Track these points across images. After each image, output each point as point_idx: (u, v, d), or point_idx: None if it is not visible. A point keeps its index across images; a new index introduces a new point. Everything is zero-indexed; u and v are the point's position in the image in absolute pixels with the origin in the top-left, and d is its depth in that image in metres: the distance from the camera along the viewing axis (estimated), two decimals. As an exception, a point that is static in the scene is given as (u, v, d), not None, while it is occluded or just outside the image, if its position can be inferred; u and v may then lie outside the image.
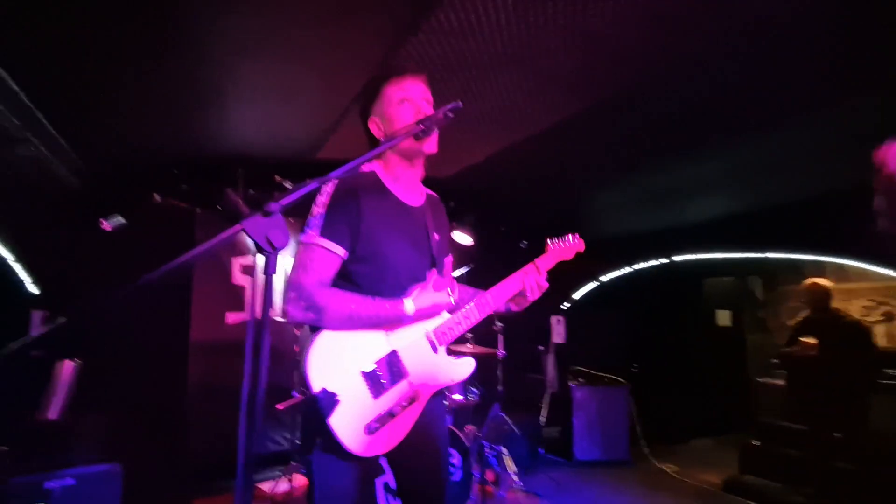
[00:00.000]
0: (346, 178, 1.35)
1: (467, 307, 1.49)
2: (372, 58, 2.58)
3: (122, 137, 3.38)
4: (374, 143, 1.43)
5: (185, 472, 3.72)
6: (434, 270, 1.47)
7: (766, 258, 4.69)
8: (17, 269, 3.44)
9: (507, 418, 3.74)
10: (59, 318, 3.51)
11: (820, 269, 4.91)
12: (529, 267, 1.58)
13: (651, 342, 5.81)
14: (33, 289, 3.53)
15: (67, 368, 3.24)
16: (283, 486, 3.12)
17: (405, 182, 1.46)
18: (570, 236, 1.79)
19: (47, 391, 3.18)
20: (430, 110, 1.39)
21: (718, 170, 3.68)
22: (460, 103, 1.22)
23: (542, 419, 4.65)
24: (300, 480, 3.16)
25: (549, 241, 1.75)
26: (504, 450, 3.46)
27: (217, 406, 3.86)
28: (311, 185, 1.06)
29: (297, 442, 3.21)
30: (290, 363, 3.24)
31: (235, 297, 4.07)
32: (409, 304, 1.33)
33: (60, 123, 2.92)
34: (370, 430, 1.27)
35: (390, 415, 1.31)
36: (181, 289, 3.97)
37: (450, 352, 1.50)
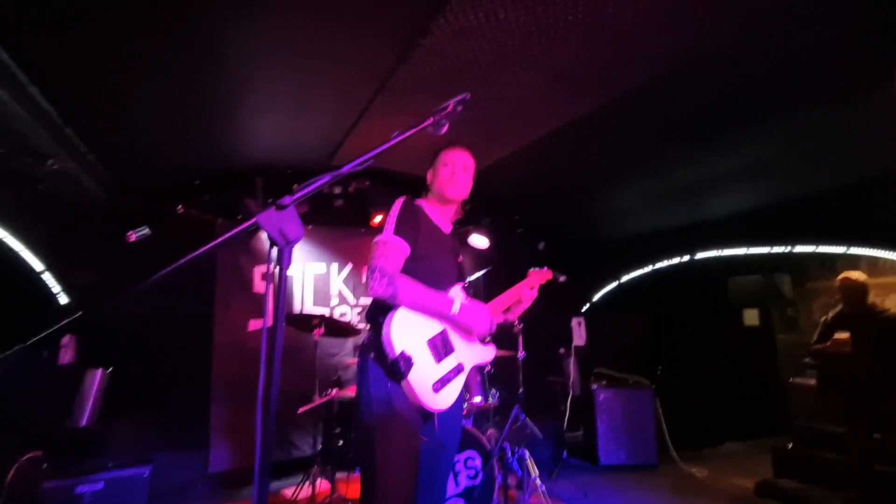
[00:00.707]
0: (409, 201, 1.82)
1: (491, 305, 1.91)
2: (383, 65, 2.61)
3: (146, 151, 3.49)
4: (426, 187, 1.95)
5: (210, 476, 3.78)
6: (463, 285, 1.87)
7: (794, 253, 4.52)
8: (49, 279, 3.55)
9: (528, 421, 3.69)
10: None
11: (852, 262, 4.72)
12: (526, 280, 2.05)
13: (675, 343, 5.67)
14: (63, 298, 3.64)
15: (97, 376, 3.33)
16: (305, 492, 3.12)
17: (440, 216, 1.93)
18: (542, 270, 2.16)
19: (78, 399, 3.28)
20: (463, 175, 1.86)
21: (741, 162, 3.59)
22: (468, 95, 1.22)
23: (565, 423, 4.57)
24: (323, 486, 3.16)
25: (531, 270, 2.15)
26: (526, 453, 3.40)
27: (241, 412, 3.92)
28: (323, 179, 1.07)
29: (319, 447, 3.21)
30: (310, 369, 3.26)
31: (257, 305, 4.13)
32: (457, 303, 1.72)
33: (89, 139, 3.03)
34: (436, 388, 1.62)
35: (447, 379, 1.66)
36: (204, 298, 4.05)
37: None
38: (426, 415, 1.65)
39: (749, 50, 2.39)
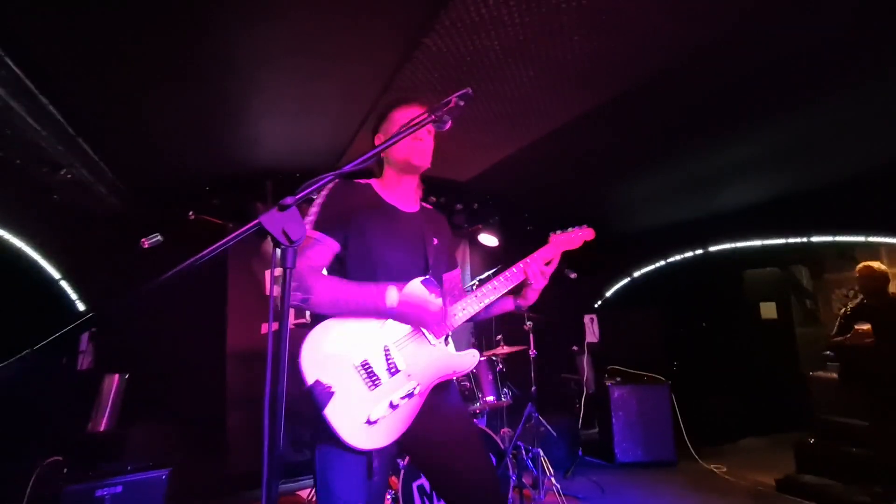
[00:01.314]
0: (341, 184, 1.51)
1: (465, 299, 1.56)
2: (387, 65, 2.61)
3: (157, 158, 3.54)
4: (378, 159, 1.61)
5: (225, 479, 3.81)
6: (430, 275, 1.49)
7: (811, 243, 4.42)
8: (66, 287, 3.62)
9: (542, 419, 3.66)
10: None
11: (871, 251, 4.61)
12: (530, 257, 1.66)
13: (690, 338, 5.59)
14: (81, 306, 3.71)
15: (114, 382, 3.39)
16: (320, 491, 3.14)
17: (399, 193, 1.58)
18: (576, 228, 1.83)
19: (96, 404, 3.33)
20: (428, 137, 1.53)
21: (754, 152, 3.52)
22: (470, 90, 1.21)
23: (580, 420, 4.53)
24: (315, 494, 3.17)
25: (551, 234, 1.80)
26: (541, 452, 3.37)
27: (257, 414, 3.95)
28: (326, 178, 1.07)
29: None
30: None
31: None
32: (392, 293, 1.37)
33: (100, 148, 3.08)
34: (368, 422, 1.30)
35: (390, 406, 1.33)
36: (217, 303, 4.09)
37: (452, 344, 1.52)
38: (363, 453, 1.31)
39: (761, 36, 2.33)
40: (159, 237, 3.75)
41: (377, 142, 1.59)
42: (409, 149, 1.50)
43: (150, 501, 2.86)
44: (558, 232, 1.80)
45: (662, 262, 5.58)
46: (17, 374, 3.18)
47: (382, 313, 1.38)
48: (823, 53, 2.45)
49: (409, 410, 1.38)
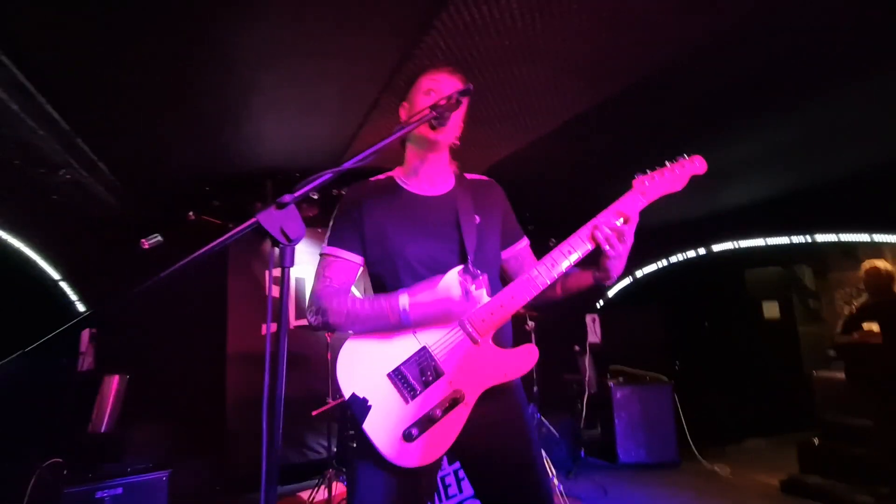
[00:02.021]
0: (354, 189, 1.39)
1: (514, 283, 1.28)
2: (387, 63, 2.59)
3: (156, 158, 3.52)
4: (400, 140, 1.39)
5: (227, 480, 3.80)
6: (470, 262, 1.29)
7: (814, 242, 4.39)
8: (66, 288, 3.60)
9: (544, 420, 3.64)
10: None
11: (876, 250, 4.58)
12: (601, 214, 1.31)
13: (693, 338, 5.57)
14: (81, 307, 3.70)
15: (115, 383, 3.37)
16: (321, 494, 3.12)
17: (424, 174, 1.39)
18: (678, 159, 1.40)
19: (96, 405, 3.32)
20: (446, 101, 1.26)
21: (756, 150, 3.50)
22: (472, 86, 1.19)
23: (582, 421, 4.51)
24: (339, 489, 3.15)
25: (637, 175, 1.38)
26: (543, 453, 3.35)
27: (257, 415, 3.92)
28: (325, 176, 1.05)
29: (334, 449, 3.21)
30: (324, 371, 3.26)
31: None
32: (402, 300, 1.21)
33: (98, 148, 3.06)
34: (408, 436, 1.18)
35: (430, 420, 1.19)
36: (217, 304, 4.08)
37: (503, 341, 1.30)
38: (406, 471, 1.19)
39: (762, 35, 2.31)
40: (159, 238, 3.74)
41: (401, 110, 1.41)
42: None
43: (152, 503, 2.85)
44: (648, 172, 1.38)
45: (665, 262, 5.55)
46: (18, 375, 3.17)
47: (404, 325, 1.23)
48: (824, 51, 2.43)
49: (454, 422, 1.21)
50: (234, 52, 2.40)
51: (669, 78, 2.70)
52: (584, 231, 1.29)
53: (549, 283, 1.28)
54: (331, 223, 1.36)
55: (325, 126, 3.39)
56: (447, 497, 2.54)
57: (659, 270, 5.63)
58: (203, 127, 3.19)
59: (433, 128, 1.30)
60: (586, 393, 4.60)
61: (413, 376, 1.23)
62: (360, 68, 2.64)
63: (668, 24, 2.27)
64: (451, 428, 1.21)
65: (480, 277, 1.28)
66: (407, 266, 1.29)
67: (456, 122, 1.35)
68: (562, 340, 4.80)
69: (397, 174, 1.43)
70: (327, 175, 1.05)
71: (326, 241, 1.35)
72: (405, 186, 1.39)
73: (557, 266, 1.28)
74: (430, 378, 1.23)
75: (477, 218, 1.35)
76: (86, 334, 3.72)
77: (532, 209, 5.20)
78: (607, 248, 1.25)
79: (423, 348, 1.24)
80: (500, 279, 1.42)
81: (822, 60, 2.52)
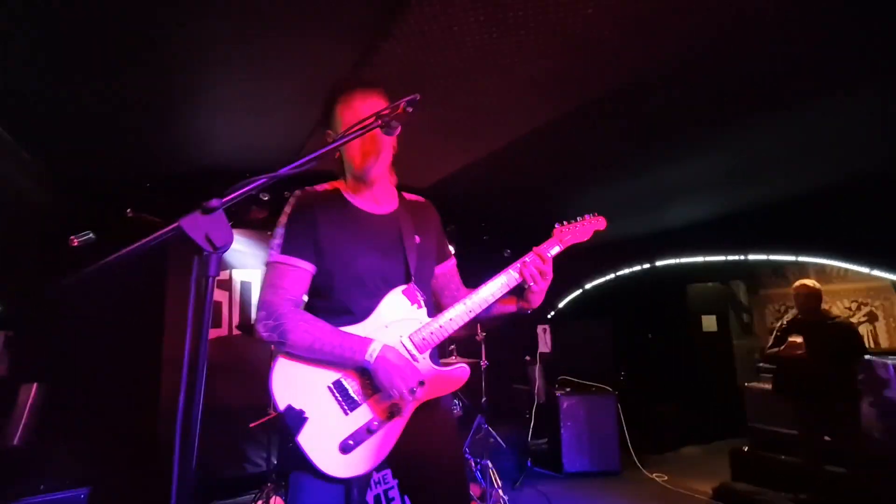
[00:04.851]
0: (304, 196, 1.37)
1: (453, 308, 1.38)
2: (343, 65, 2.55)
3: (91, 150, 3.30)
4: (339, 159, 1.44)
5: (156, 496, 3.55)
6: (413, 282, 1.37)
7: (748, 260, 4.69)
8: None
9: (491, 430, 3.65)
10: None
11: (802, 270, 4.94)
12: (528, 255, 1.47)
13: (637, 349, 5.78)
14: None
15: (31, 392, 3.10)
16: (259, 508, 2.98)
17: (368, 194, 1.42)
18: (586, 216, 1.65)
19: (10, 416, 3.03)
20: (379, 134, 1.31)
21: (699, 172, 3.70)
22: (418, 96, 1.17)
23: (530, 431, 4.56)
24: (277, 503, 3.02)
25: (556, 225, 1.60)
26: (489, 463, 3.36)
27: (192, 427, 3.72)
28: (259, 181, 1.00)
29: (274, 462, 3.08)
30: (266, 380, 3.13)
31: (213, 315, 3.94)
32: (375, 348, 1.24)
33: (27, 139, 2.83)
34: (345, 448, 1.20)
35: (368, 431, 1.23)
36: (153, 309, 3.84)
37: (437, 360, 1.39)
38: (340, 481, 1.22)
39: (705, 65, 2.44)
40: (91, 235, 3.48)
41: (328, 139, 1.39)
42: (355, 151, 1.34)
43: (68, 524, 2.63)
44: (564, 223, 1.60)
45: (613, 275, 5.75)
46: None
47: (358, 366, 1.25)
48: (758, 85, 2.60)
49: (390, 433, 1.25)
50: (183, 46, 2.29)
51: (618, 101, 2.81)
52: (514, 266, 1.46)
53: (484, 307, 1.41)
54: (280, 230, 1.32)
55: (278, 127, 3.29)
56: None
57: (607, 283, 5.82)
58: (144, 119, 3.02)
59: (386, 132, 1.23)
60: (535, 402, 4.67)
61: (353, 389, 1.26)
62: (314, 70, 2.58)
63: (618, 50, 2.36)
64: (387, 439, 1.25)
65: (421, 297, 1.38)
66: (357, 279, 1.32)
67: (389, 150, 1.38)
68: (512, 350, 4.85)
69: (342, 187, 1.43)
70: (262, 180, 1.00)
71: (278, 248, 1.30)
72: (352, 201, 1.41)
73: (487, 300, 1.42)
74: (369, 391, 1.26)
75: (417, 238, 1.42)
76: (1, 336, 3.41)
77: (487, 220, 5.26)
78: (531, 283, 1.44)
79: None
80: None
81: (756, 94, 2.69)
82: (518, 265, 1.45)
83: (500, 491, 3.28)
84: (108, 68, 2.40)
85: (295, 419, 1.19)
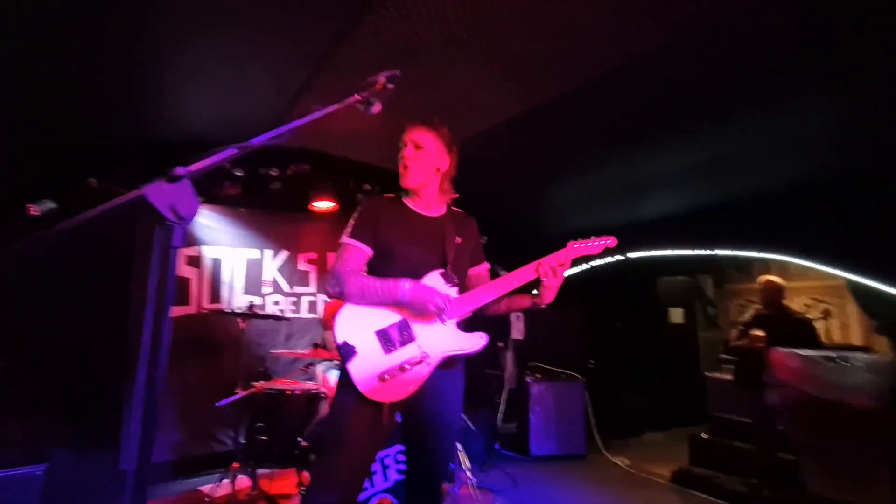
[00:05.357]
0: (373, 198, 1.88)
1: (474, 292, 1.75)
2: (322, 42, 2.48)
3: (54, 117, 3.14)
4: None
5: (120, 474, 3.48)
6: (448, 268, 1.73)
7: (715, 256, 4.84)
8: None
9: (462, 414, 3.69)
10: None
11: (765, 267, 5.12)
12: (543, 258, 1.77)
13: (607, 339, 5.91)
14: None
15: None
16: (224, 488, 2.96)
17: (421, 201, 1.80)
18: (600, 238, 1.92)
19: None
20: (410, 153, 1.73)
21: (671, 167, 3.77)
22: (399, 71, 1.15)
23: (500, 415, 4.64)
24: (243, 483, 3.00)
25: (570, 242, 1.87)
26: (458, 446, 3.40)
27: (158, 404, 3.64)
28: (228, 152, 0.97)
29: (241, 441, 3.05)
30: (234, 358, 3.08)
31: (180, 290, 3.84)
32: (406, 284, 1.62)
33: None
34: (381, 378, 1.58)
35: (400, 369, 1.60)
36: (118, 282, 3.71)
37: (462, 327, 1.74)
38: (375, 404, 1.59)
39: (684, 59, 2.48)
40: (51, 204, 3.33)
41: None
42: (400, 167, 1.74)
43: (24, 501, 2.55)
44: (580, 240, 1.91)
45: (587, 266, 5.84)
46: None
47: (399, 302, 1.62)
48: (727, 86, 2.66)
49: (417, 375, 1.62)
50: (156, 12, 2.18)
51: (594, 95, 2.83)
52: (531, 265, 1.76)
53: (502, 293, 1.75)
54: (352, 221, 1.73)
55: (253, 100, 3.20)
56: (371, 485, 2.60)
57: (581, 273, 5.91)
58: (113, 88, 2.89)
59: (364, 108, 1.30)
60: (506, 388, 4.74)
61: (394, 336, 1.64)
62: (293, 44, 2.51)
63: (594, 42, 2.37)
64: (413, 379, 1.62)
65: (454, 279, 1.74)
66: (404, 262, 1.69)
67: (419, 167, 1.73)
68: (487, 336, 4.90)
69: (405, 197, 1.81)
70: (231, 151, 0.97)
71: (349, 234, 1.71)
72: (408, 204, 1.80)
73: (510, 283, 1.75)
74: (406, 340, 1.64)
75: (458, 239, 1.78)
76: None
77: (465, 207, 5.25)
78: (545, 279, 1.74)
79: (405, 319, 1.66)
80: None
81: (727, 94, 2.75)
82: (535, 264, 1.75)
83: (469, 472, 3.34)
84: (72, 32, 2.27)
85: (348, 351, 1.58)
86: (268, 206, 4.28)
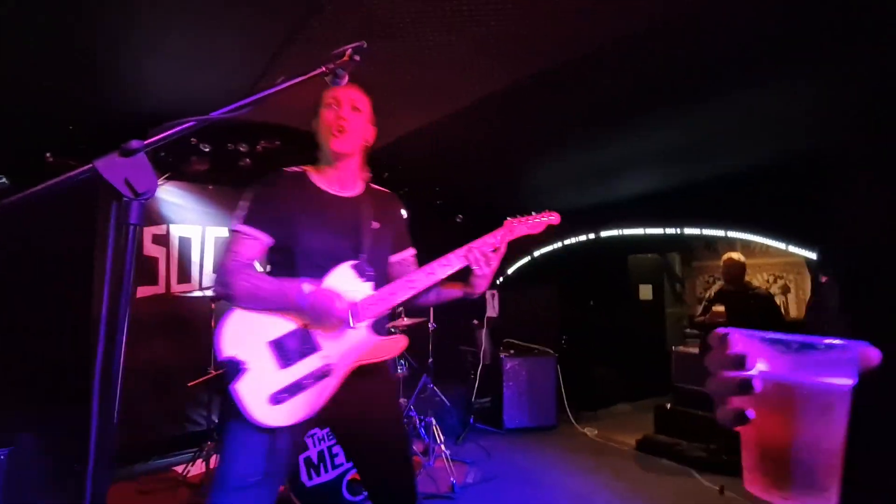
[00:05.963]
0: (272, 175, 1.50)
1: (395, 284, 1.50)
2: (293, 14, 2.39)
3: (6, 88, 2.95)
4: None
5: (82, 456, 3.43)
6: (363, 259, 1.48)
7: (683, 234, 4.99)
8: None
9: (436, 390, 3.76)
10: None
11: (730, 245, 5.31)
12: (475, 242, 1.56)
13: (579, 315, 6.06)
14: None
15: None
16: (197, 467, 2.95)
17: (334, 177, 1.53)
18: (543, 213, 1.75)
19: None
20: (348, 114, 1.47)
21: (642, 148, 3.82)
22: (364, 43, 1.13)
23: (475, 390, 4.74)
24: (217, 462, 3.00)
25: (508, 218, 1.70)
26: (433, 420, 3.48)
27: (128, 385, 3.58)
28: (188, 124, 0.94)
29: (214, 420, 3.03)
30: (207, 338, 3.04)
31: (147, 270, 3.74)
32: (306, 286, 1.36)
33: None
34: (276, 400, 1.31)
35: (298, 387, 1.34)
36: (83, 262, 3.58)
37: (378, 329, 1.49)
38: (269, 431, 1.32)
39: (657, 43, 2.49)
40: (4, 180, 3.17)
41: (312, 124, 1.55)
42: (329, 130, 1.46)
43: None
44: (517, 217, 1.70)
45: (560, 244, 5.94)
46: None
47: (297, 307, 1.36)
48: (698, 68, 2.69)
49: (320, 392, 1.36)
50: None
51: (570, 76, 2.82)
52: (461, 251, 1.53)
53: (424, 287, 1.51)
54: (246, 203, 1.43)
55: (220, 74, 3.06)
56: (333, 467, 2.61)
57: (554, 251, 6.01)
58: (66, 56, 2.73)
59: (330, 81, 1.21)
60: (480, 364, 4.84)
61: (290, 347, 1.37)
62: (262, 15, 2.41)
63: (576, 24, 2.35)
64: (317, 397, 1.36)
65: (369, 272, 1.48)
66: (305, 253, 1.42)
67: (357, 130, 1.49)
68: (461, 314, 4.96)
69: (311, 172, 1.53)
70: (190, 123, 0.94)
71: (241, 219, 1.41)
72: (316, 182, 1.51)
73: (434, 275, 1.51)
74: (308, 352, 1.38)
75: (375, 224, 1.53)
76: None
77: (441, 184, 5.23)
78: (476, 268, 1.52)
79: (305, 326, 1.39)
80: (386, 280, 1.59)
81: (699, 77, 2.79)
82: (464, 250, 1.53)
83: (443, 446, 3.42)
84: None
85: (234, 369, 1.30)
86: (237, 183, 4.17)
